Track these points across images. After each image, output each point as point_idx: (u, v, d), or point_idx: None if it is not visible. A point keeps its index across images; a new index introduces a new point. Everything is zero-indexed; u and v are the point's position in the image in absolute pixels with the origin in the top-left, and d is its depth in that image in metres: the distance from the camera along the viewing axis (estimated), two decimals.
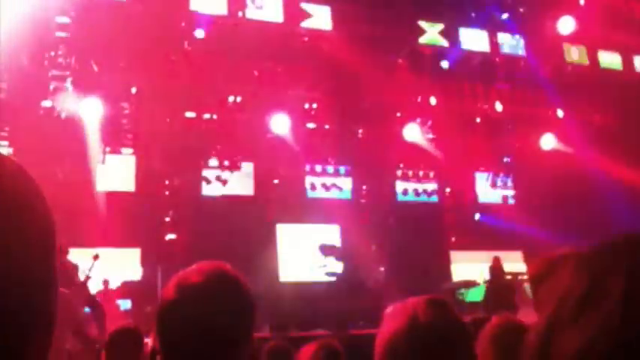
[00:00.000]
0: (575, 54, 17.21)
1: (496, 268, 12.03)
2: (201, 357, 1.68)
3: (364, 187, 16.95)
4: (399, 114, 16.30)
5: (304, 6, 15.07)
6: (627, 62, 17.68)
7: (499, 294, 11.30)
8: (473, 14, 16.21)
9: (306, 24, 15.13)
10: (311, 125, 16.05)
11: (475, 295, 13.77)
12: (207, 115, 15.20)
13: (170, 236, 15.11)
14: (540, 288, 2.16)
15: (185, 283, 1.72)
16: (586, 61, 17.33)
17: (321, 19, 15.25)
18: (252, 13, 14.59)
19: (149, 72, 14.03)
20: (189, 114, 15.07)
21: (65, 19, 13.46)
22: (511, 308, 10.43)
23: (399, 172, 16.77)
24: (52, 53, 13.28)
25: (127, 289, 13.30)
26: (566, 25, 16.49)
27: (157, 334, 1.73)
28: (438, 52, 16.11)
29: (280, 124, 15.15)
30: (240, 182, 15.39)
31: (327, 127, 16.08)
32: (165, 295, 1.73)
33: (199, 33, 14.42)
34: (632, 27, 17.24)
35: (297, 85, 15.27)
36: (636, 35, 17.15)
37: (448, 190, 17.16)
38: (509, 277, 12.21)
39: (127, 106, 14.54)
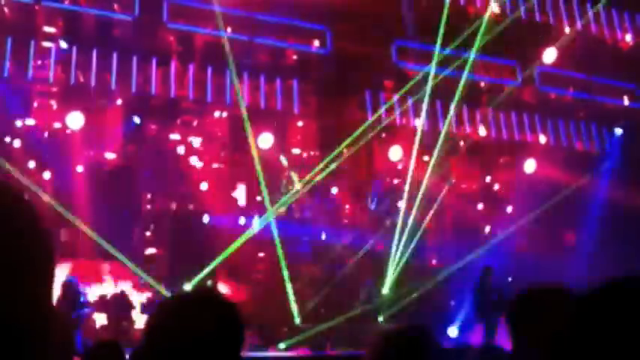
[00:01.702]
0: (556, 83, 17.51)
1: (486, 277, 12.26)
2: None
3: (347, 206, 16.97)
4: (383, 135, 16.35)
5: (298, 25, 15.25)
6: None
7: (488, 300, 11.69)
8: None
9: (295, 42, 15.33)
10: (296, 150, 16.06)
11: None
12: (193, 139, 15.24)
13: (150, 250, 15.00)
14: (526, 320, 2.17)
15: (172, 304, 1.74)
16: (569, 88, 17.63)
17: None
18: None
19: (135, 85, 13.97)
20: (174, 135, 15.02)
21: (52, 29, 13.44)
22: (500, 313, 11.17)
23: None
24: (39, 62, 13.20)
25: (103, 303, 13.13)
26: (549, 55, 16.72)
27: (143, 353, 1.71)
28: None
29: (265, 142, 15.12)
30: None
31: (312, 153, 16.08)
32: (153, 315, 1.72)
33: (185, 48, 14.46)
34: (618, 58, 17.61)
35: (284, 103, 15.26)
36: (622, 65, 17.51)
37: (431, 212, 17.16)
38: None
39: (111, 118, 14.51)
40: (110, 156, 14.78)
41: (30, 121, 13.79)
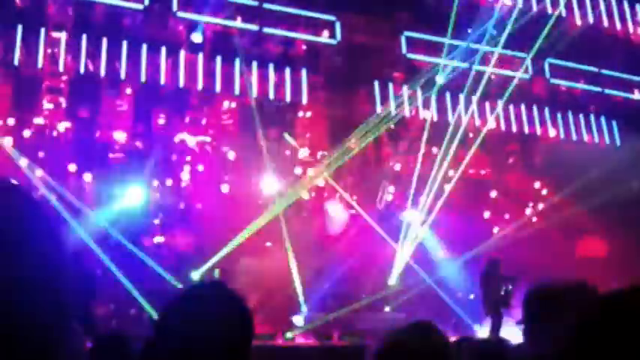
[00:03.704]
0: None
1: (493, 270, 12.20)
2: None
3: (354, 197, 16.93)
4: (392, 126, 16.29)
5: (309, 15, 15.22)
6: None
7: (496, 293, 11.81)
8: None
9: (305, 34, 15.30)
10: (305, 151, 15.97)
11: None
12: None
13: (158, 239, 15.03)
14: (544, 312, 2.18)
15: (183, 297, 1.77)
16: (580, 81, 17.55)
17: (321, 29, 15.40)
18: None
19: (146, 74, 13.98)
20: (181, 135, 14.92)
21: (62, 18, 13.47)
22: (507, 306, 11.56)
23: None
24: (49, 51, 13.22)
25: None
26: None
27: (154, 342, 1.73)
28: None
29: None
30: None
31: (320, 154, 15.96)
32: (164, 308, 1.75)
33: (197, 38, 14.43)
34: (629, 51, 17.51)
35: (293, 94, 15.20)
36: (633, 57, 17.41)
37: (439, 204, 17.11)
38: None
39: (122, 103, 14.53)
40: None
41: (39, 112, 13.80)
